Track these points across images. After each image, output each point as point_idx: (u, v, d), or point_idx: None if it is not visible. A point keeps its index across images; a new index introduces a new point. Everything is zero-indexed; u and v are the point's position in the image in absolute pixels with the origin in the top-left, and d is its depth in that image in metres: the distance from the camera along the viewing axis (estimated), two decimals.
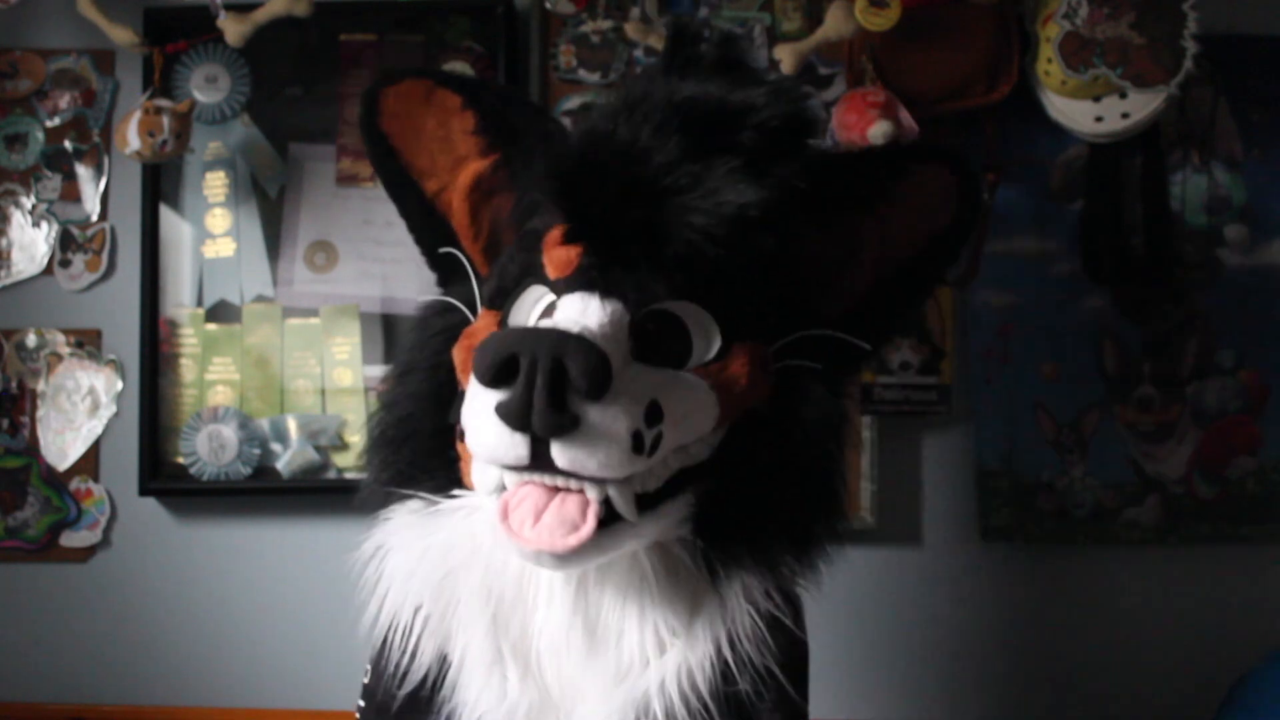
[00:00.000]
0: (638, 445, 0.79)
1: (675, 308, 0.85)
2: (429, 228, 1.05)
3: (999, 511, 1.57)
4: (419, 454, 0.94)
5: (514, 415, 0.77)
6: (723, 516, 0.88)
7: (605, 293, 0.84)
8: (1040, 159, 1.58)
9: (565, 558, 0.81)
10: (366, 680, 1.00)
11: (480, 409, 0.80)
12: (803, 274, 0.92)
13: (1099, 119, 1.44)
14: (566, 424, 0.76)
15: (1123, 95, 1.43)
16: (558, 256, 0.86)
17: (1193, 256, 1.58)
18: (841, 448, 0.95)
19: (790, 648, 0.91)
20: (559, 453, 0.78)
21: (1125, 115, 1.43)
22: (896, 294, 0.98)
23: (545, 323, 0.84)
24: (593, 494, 0.82)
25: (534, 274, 0.89)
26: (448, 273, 1.03)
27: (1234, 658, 1.40)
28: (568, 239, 0.85)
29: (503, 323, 0.91)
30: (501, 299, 0.91)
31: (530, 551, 0.82)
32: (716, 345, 0.87)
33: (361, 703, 1.00)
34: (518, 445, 0.78)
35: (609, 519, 0.83)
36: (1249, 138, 1.59)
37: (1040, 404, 1.58)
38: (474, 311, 0.95)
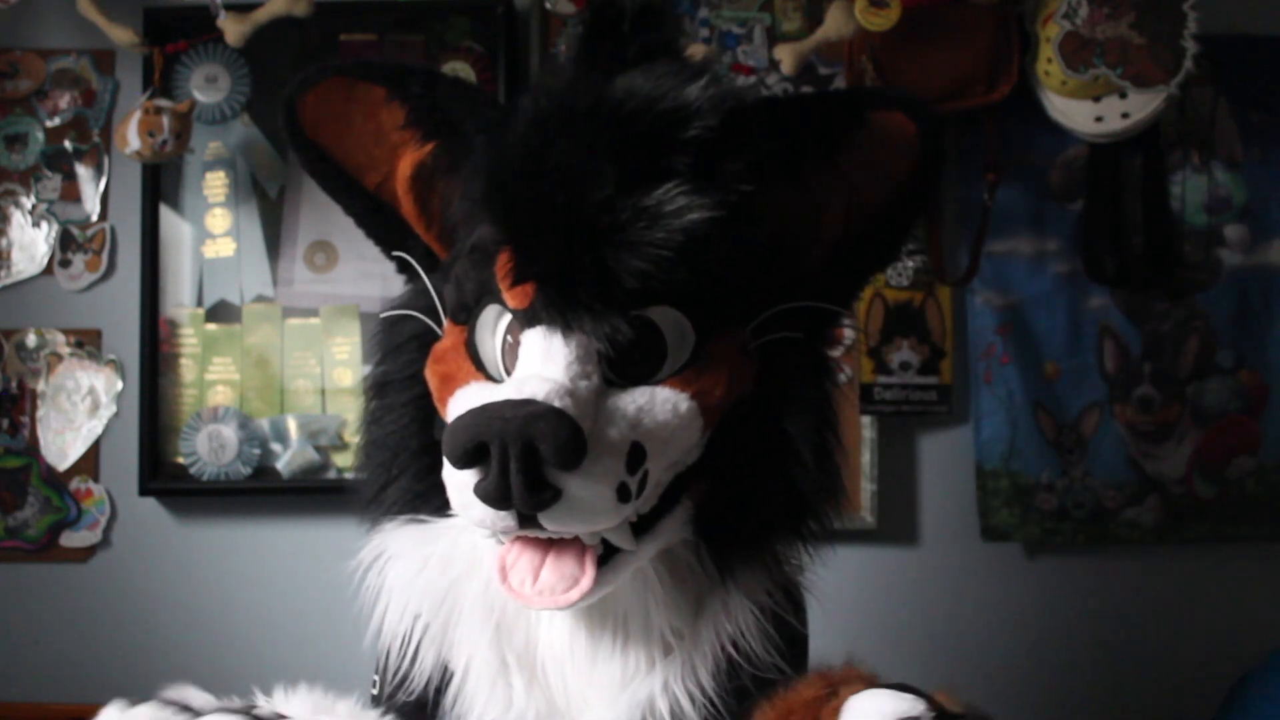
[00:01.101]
0: (624, 496, 0.78)
1: (646, 313, 0.83)
2: (380, 224, 1.02)
3: (999, 511, 1.57)
4: (411, 478, 0.92)
5: (494, 499, 0.75)
6: (722, 514, 0.87)
7: (566, 328, 0.81)
8: (1040, 159, 1.58)
9: (568, 608, 0.81)
10: (375, 691, 0.99)
11: (461, 485, 0.78)
12: (770, 243, 0.89)
13: (1099, 119, 1.44)
14: (548, 499, 0.75)
15: (1123, 95, 1.43)
16: (512, 292, 0.83)
17: (1193, 256, 1.58)
18: (836, 418, 0.92)
19: (792, 643, 0.90)
20: (547, 521, 0.77)
21: (1125, 115, 1.43)
22: (867, 246, 0.95)
23: (508, 388, 0.79)
24: (588, 540, 0.81)
25: (491, 294, 0.86)
26: (408, 267, 1.00)
27: (1234, 658, 1.40)
28: (517, 278, 0.82)
29: (469, 340, 0.88)
30: (465, 314, 0.89)
31: (534, 609, 0.82)
32: (691, 344, 0.84)
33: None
34: (504, 519, 0.77)
35: (607, 554, 0.82)
36: (1249, 138, 1.59)
37: (1040, 404, 1.58)
38: (435, 317, 0.92)
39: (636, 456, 0.79)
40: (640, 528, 0.83)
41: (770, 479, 0.87)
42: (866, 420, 1.57)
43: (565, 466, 0.74)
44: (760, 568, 0.89)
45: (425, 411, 0.91)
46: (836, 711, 0.77)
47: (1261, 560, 1.59)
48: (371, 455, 0.95)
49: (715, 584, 0.88)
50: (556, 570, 0.81)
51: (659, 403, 0.82)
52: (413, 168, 0.97)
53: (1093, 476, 1.57)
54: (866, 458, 1.56)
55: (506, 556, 0.82)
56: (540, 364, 0.81)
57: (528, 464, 0.73)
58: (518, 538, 0.82)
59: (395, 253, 1.01)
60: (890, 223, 0.95)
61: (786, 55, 1.43)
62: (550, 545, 0.81)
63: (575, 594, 0.80)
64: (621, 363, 0.82)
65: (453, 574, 0.90)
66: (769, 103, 1.00)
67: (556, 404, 0.75)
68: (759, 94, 1.50)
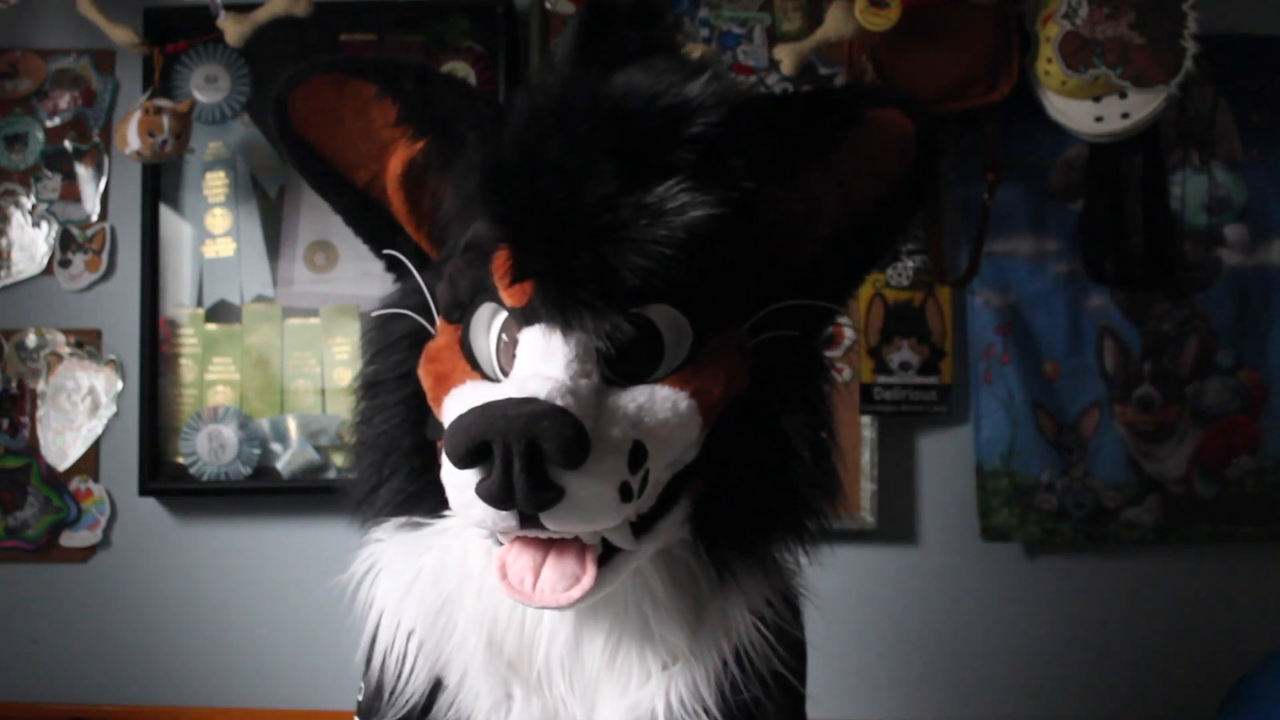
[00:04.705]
0: (626, 495, 0.77)
1: (645, 311, 0.81)
2: (370, 220, 1.00)
3: (999, 511, 1.57)
4: (404, 479, 0.90)
5: (496, 499, 0.74)
6: (720, 511, 0.86)
7: (566, 326, 0.80)
8: (1040, 159, 1.58)
9: (570, 606, 0.80)
10: (360, 698, 0.99)
11: (461, 484, 0.77)
12: (766, 242, 0.89)
13: (1099, 119, 1.44)
14: (551, 498, 0.74)
15: (1123, 95, 1.43)
16: (510, 290, 0.82)
17: (1193, 256, 1.58)
18: (831, 416, 0.92)
19: (792, 652, 0.90)
20: (549, 521, 0.76)
21: (1125, 115, 1.43)
22: (861, 244, 0.94)
23: (508, 387, 0.78)
24: (588, 539, 0.80)
25: (486, 291, 0.85)
26: (398, 266, 0.98)
27: (1234, 658, 1.40)
28: (516, 276, 0.81)
29: (463, 339, 0.87)
30: (459, 312, 0.88)
31: (534, 607, 0.81)
32: (689, 343, 0.83)
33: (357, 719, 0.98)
34: (505, 519, 0.76)
35: (606, 553, 0.81)
36: (1249, 138, 1.59)
37: (1040, 404, 1.58)
38: (426, 315, 0.91)
39: (638, 456, 0.78)
40: (639, 527, 0.82)
41: (767, 476, 0.87)
42: (866, 420, 1.57)
43: (569, 465, 0.73)
44: (758, 567, 0.88)
45: (417, 411, 0.90)
46: None
47: (1261, 560, 1.59)
48: (363, 455, 0.93)
49: (714, 587, 0.87)
50: (557, 569, 0.80)
51: (659, 401, 0.81)
52: (403, 165, 0.96)
53: (1093, 476, 1.57)
54: (866, 458, 1.56)
55: (507, 556, 0.81)
56: (539, 362, 0.80)
57: (531, 463, 0.72)
58: (518, 537, 0.81)
59: (386, 250, 0.98)
60: (884, 220, 0.94)
61: (786, 55, 1.43)
62: (550, 544, 0.80)
63: (577, 592, 0.79)
64: (620, 361, 0.81)
65: (445, 587, 0.89)
66: (767, 100, 1.00)
67: (559, 403, 0.74)
68: (759, 91, 1.50)
